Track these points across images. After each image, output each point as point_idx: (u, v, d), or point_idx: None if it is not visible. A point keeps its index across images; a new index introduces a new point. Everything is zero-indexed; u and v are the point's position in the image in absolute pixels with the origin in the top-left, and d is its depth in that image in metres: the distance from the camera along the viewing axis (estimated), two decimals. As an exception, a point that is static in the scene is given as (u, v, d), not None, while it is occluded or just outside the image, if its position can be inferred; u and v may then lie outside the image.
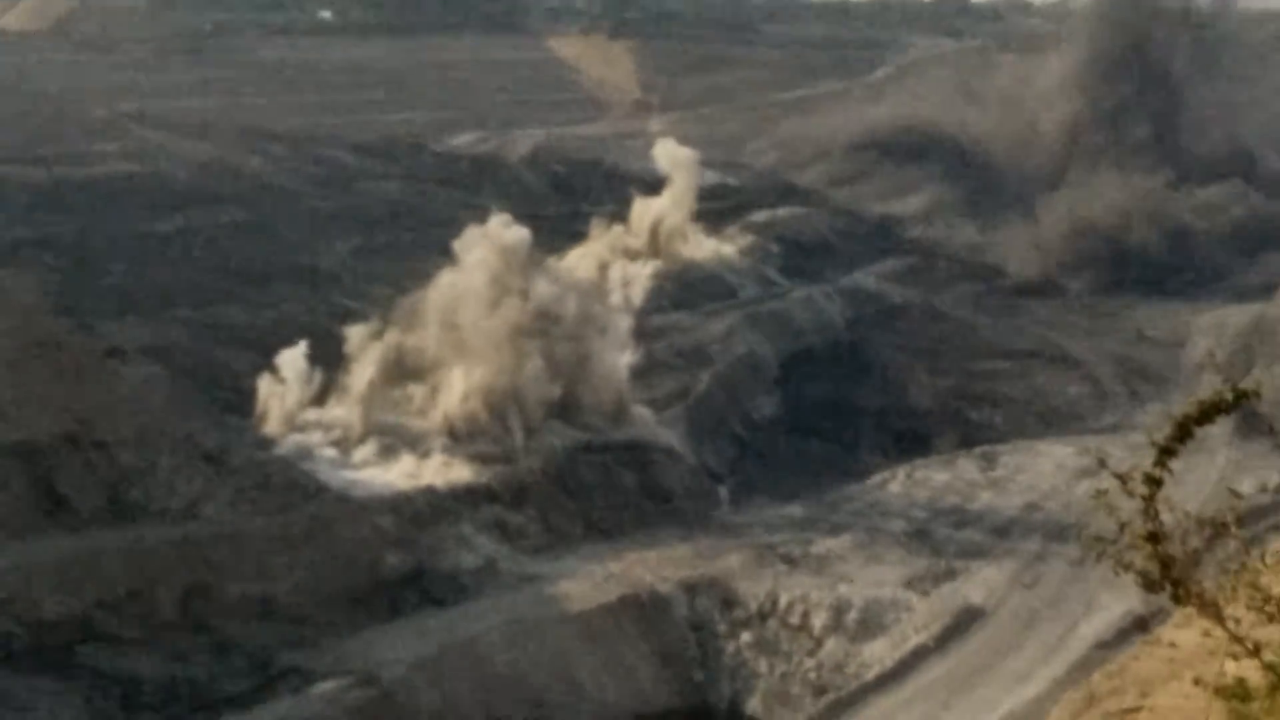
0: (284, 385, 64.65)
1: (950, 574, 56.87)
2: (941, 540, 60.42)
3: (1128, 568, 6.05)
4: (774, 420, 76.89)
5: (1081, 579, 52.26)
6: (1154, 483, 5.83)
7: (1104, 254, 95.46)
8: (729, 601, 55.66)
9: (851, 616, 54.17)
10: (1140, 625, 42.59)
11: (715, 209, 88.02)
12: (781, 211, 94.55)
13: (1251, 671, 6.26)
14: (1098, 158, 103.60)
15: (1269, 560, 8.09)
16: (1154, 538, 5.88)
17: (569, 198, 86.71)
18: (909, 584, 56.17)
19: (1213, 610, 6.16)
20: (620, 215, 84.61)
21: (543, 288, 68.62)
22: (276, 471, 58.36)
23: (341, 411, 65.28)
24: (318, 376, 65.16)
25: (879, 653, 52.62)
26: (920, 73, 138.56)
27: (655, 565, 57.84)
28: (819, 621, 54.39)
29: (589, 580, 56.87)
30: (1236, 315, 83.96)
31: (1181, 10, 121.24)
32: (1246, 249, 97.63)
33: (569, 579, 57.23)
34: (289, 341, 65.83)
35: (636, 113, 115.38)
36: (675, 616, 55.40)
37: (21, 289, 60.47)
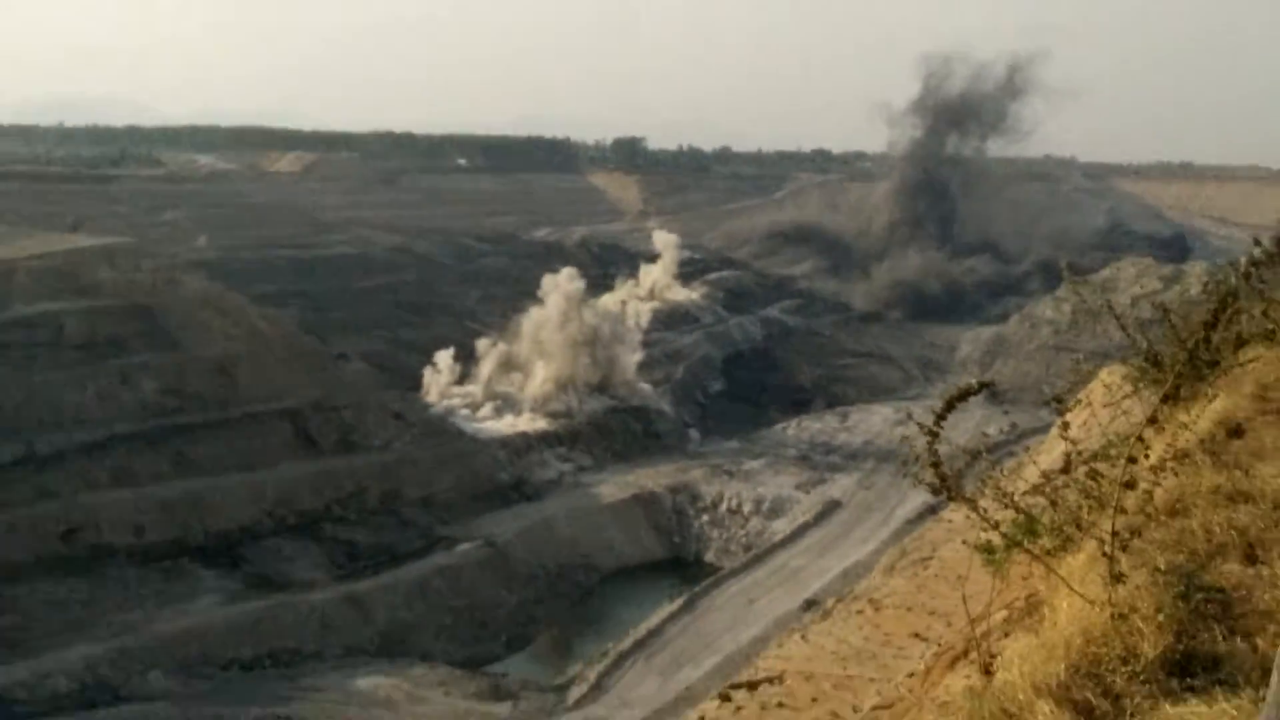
0: (439, 374, 74.20)
1: (821, 481, 66.41)
2: (816, 462, 69.77)
3: (921, 480, 6.00)
4: (720, 393, 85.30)
5: (897, 485, 58.44)
6: (935, 431, 5.76)
7: (910, 297, 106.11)
8: (695, 497, 65.30)
9: (765, 505, 63.89)
10: (931, 510, 42.71)
11: (686, 271, 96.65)
12: (725, 273, 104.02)
13: (995, 537, 6.53)
14: (906, 241, 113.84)
15: (1004, 472, 9.71)
16: (936, 463, 5.79)
17: (602, 265, 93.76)
18: (798, 486, 65.77)
19: (971, 503, 6.11)
20: (632, 275, 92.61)
21: (589, 316, 77.91)
22: (434, 423, 67.22)
23: (472, 388, 74.73)
24: (458, 368, 74.73)
25: (780, 526, 61.55)
26: (803, 193, 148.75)
27: (652, 477, 67.06)
28: (746, 508, 64.06)
29: (614, 485, 65.97)
30: (985, 333, 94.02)
31: (953, 157, 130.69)
32: (991, 294, 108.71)
33: (603, 485, 66.15)
34: (441, 347, 74.97)
35: (640, 217, 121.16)
36: (664, 506, 64.65)
37: (288, 320, 68.07)
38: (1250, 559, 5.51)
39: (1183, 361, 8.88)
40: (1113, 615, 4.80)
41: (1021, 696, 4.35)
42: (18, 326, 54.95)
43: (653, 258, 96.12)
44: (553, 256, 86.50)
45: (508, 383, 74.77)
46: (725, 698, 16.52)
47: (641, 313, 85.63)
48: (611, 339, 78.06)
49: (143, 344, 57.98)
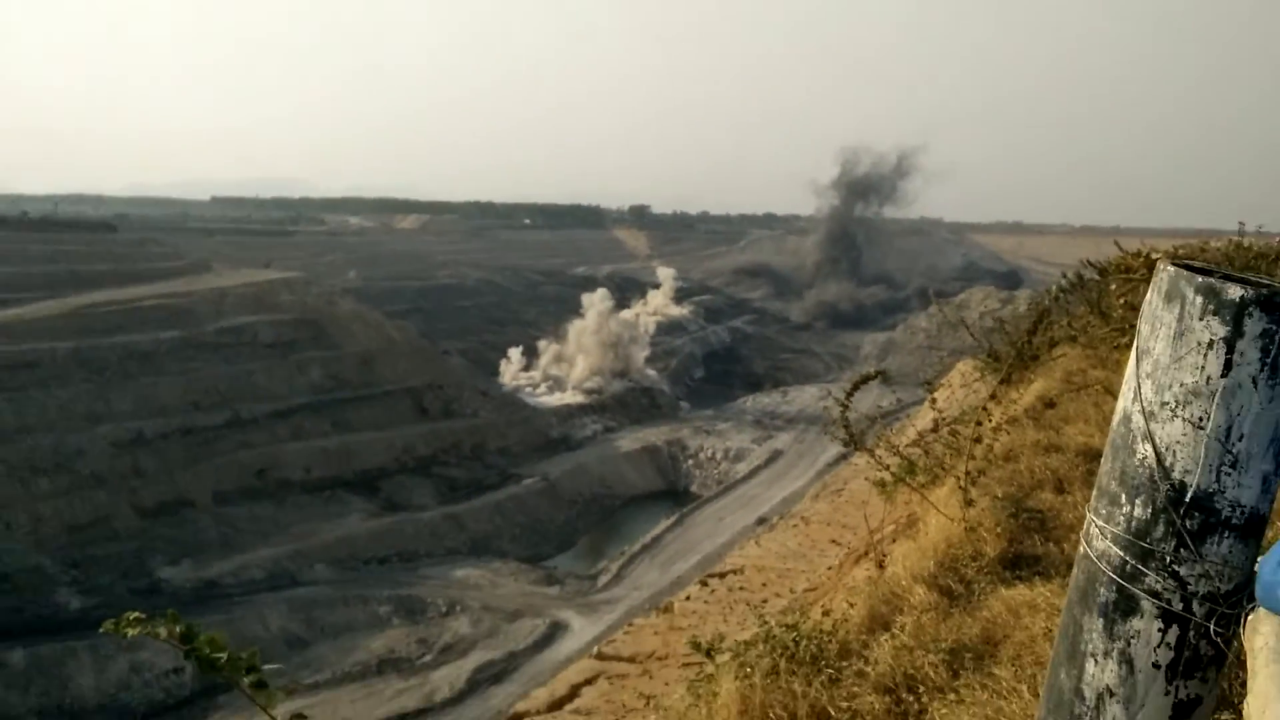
0: (510, 364, 73.84)
1: (769, 437, 64.74)
2: (766, 424, 68.16)
3: (837, 436, 6.03)
4: (701, 378, 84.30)
5: (821, 440, 56.02)
6: (845, 404, 5.77)
7: (830, 312, 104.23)
8: (684, 448, 64.19)
9: (731, 453, 62.76)
10: (844, 457, 36.64)
11: (679, 295, 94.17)
12: (704, 297, 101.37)
13: (887, 475, 6.42)
14: (828, 275, 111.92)
15: (893, 432, 10.42)
16: (846, 425, 5.81)
17: (622, 291, 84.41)
18: (753, 441, 64.28)
19: (870, 452, 6.26)
20: (642, 297, 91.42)
21: (613, 325, 76.87)
22: (507, 398, 66.19)
23: (534, 374, 73.83)
24: (523, 360, 74.19)
25: (741, 469, 60.21)
26: (757, 243, 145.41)
27: (655, 434, 65.83)
28: (718, 455, 62.86)
29: (630, 440, 64.82)
30: (881, 337, 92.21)
31: (859, 218, 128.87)
32: (885, 311, 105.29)
33: (622, 439, 64.96)
34: (512, 346, 75.21)
35: (647, 259, 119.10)
36: (662, 454, 63.57)
37: (410, 328, 67.01)
38: (1059, 490, 5.62)
39: (1013, 357, 8.93)
40: (966, 528, 4.92)
41: (904, 583, 4.48)
42: (228, 332, 54.89)
43: (656, 286, 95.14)
44: (588, 285, 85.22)
45: (558, 370, 73.89)
46: (704, 583, 16.50)
47: (648, 323, 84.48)
48: (629, 341, 77.42)
49: (311, 344, 57.97)
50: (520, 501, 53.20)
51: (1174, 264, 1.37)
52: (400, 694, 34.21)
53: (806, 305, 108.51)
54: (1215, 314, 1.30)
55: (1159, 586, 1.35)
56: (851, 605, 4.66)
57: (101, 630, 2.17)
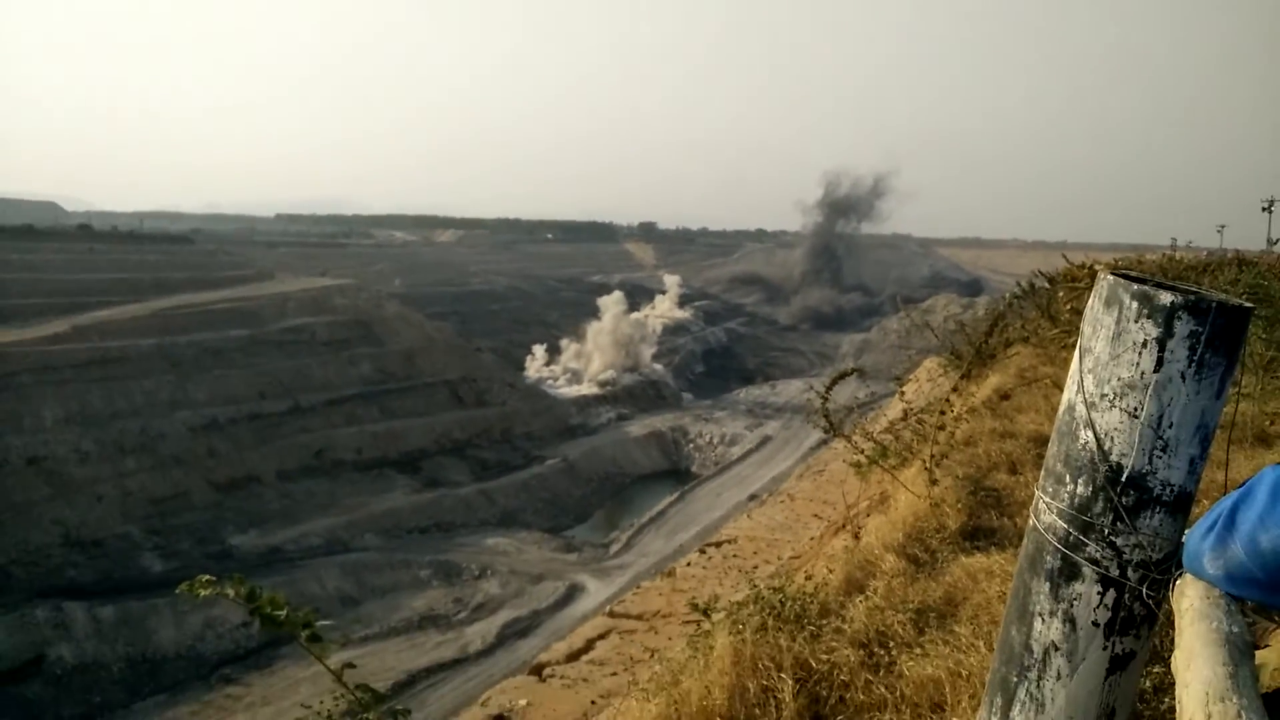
0: (534, 360, 73.25)
1: (760, 424, 64.36)
2: (757, 413, 67.81)
3: (818, 424, 5.90)
4: (701, 373, 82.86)
5: (805, 427, 52.81)
6: (825, 396, 5.69)
7: (813, 316, 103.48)
8: (685, 433, 63.53)
9: (726, 438, 62.05)
10: (824, 443, 34.49)
11: (682, 300, 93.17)
12: (704, 302, 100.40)
13: (862, 458, 6.19)
14: (812, 283, 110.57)
15: (867, 420, 10.51)
16: (827, 414, 5.69)
17: (632, 297, 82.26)
18: (746, 427, 63.76)
19: (847, 438, 6.13)
20: (649, 302, 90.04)
21: (625, 326, 76.51)
22: (532, 389, 66.68)
23: (557, 368, 73.37)
24: (546, 356, 73.55)
25: (735, 451, 59.55)
26: (750, 255, 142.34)
27: (660, 421, 65.02)
28: (716, 440, 62.22)
29: (639, 426, 64.08)
30: (858, 337, 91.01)
31: (840, 233, 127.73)
32: (862, 315, 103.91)
33: (632, 426, 64.18)
34: (536, 344, 74.64)
35: (654, 269, 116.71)
36: (667, 438, 62.88)
37: (448, 328, 67.25)
38: (1013, 471, 5.63)
39: (972, 355, 8.91)
40: (931, 504, 4.94)
41: (876, 551, 4.48)
42: (290, 331, 54.98)
43: (663, 292, 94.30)
44: (602, 292, 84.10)
45: (577, 365, 73.54)
46: (703, 551, 16.49)
47: (656, 325, 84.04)
48: (638, 340, 76.97)
49: (362, 342, 57.86)
50: (543, 479, 53.01)
51: (1113, 274, 1.38)
52: (439, 646, 34.35)
53: (793, 309, 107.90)
54: (1149, 317, 1.30)
55: (1098, 555, 1.36)
56: (831, 571, 4.66)
57: (178, 591, 2.20)
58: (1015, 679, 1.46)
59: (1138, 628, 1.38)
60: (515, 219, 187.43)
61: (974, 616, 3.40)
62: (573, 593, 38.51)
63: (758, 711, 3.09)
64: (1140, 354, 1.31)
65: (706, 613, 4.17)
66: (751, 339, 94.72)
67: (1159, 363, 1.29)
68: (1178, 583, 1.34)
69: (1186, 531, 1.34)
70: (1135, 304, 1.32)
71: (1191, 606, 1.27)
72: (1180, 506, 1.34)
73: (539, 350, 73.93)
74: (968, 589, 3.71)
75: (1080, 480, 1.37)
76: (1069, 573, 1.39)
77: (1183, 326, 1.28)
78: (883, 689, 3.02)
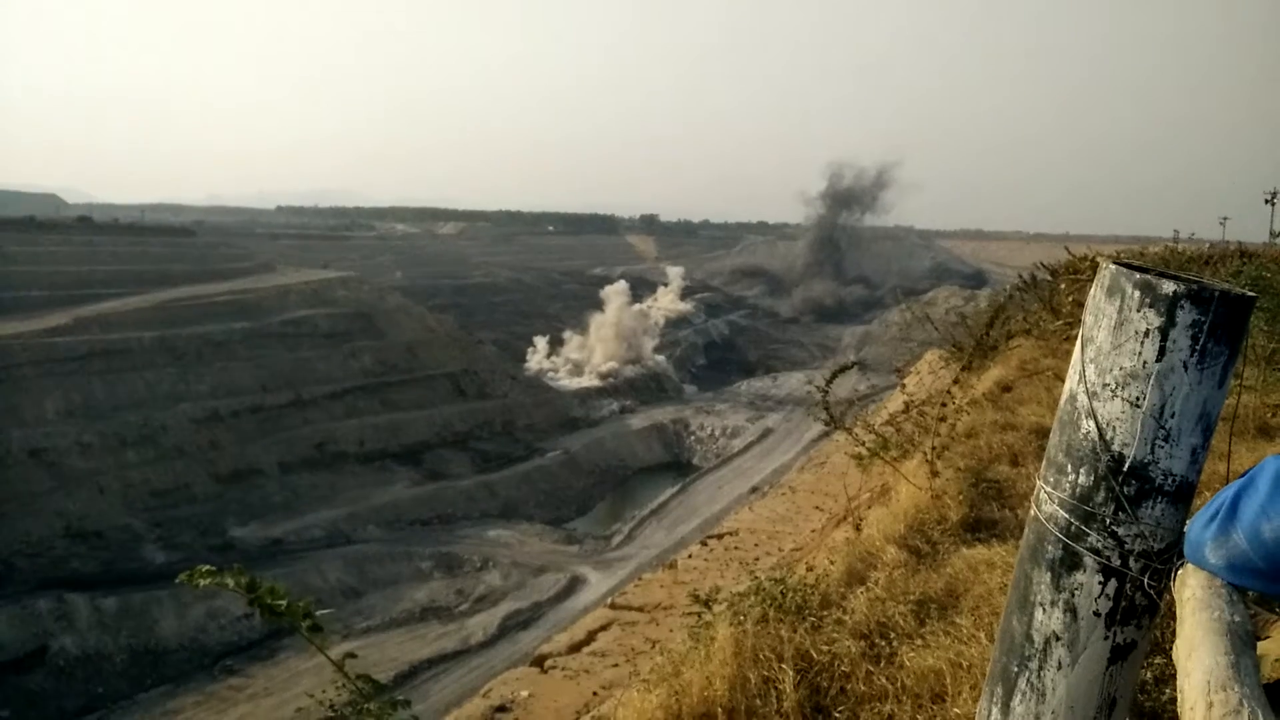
0: (536, 352, 73.24)
1: (761, 416, 63.74)
2: (758, 405, 67.27)
3: (819, 417, 5.98)
4: (703, 365, 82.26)
5: (806, 419, 53.67)
6: (825, 390, 5.73)
7: (815, 308, 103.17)
8: (687, 425, 63.09)
9: (728, 430, 61.70)
10: (826, 435, 34.20)
11: (684, 292, 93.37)
12: (706, 294, 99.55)
13: (864, 450, 6.13)
14: (814, 275, 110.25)
15: (868, 413, 11.05)
16: (827, 407, 5.76)
17: (634, 289, 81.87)
18: (747, 419, 63.10)
19: (848, 430, 6.19)
20: (651, 294, 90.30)
21: (626, 319, 76.83)
22: (534, 381, 66.64)
23: (559, 360, 73.12)
24: (548, 349, 73.48)
25: (737, 444, 59.22)
26: (752, 247, 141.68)
27: (662, 414, 64.72)
28: (716, 432, 61.99)
29: (640, 418, 63.77)
30: (859, 330, 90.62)
31: (843, 225, 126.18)
32: (864, 307, 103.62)
33: (634, 418, 63.95)
34: (538, 336, 74.55)
35: (655, 261, 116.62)
36: (669, 430, 62.37)
37: (449, 320, 67.10)
38: (1014, 463, 5.62)
39: (973, 347, 8.90)
40: (932, 496, 4.94)
41: (877, 543, 4.50)
42: (291, 324, 54.94)
43: (665, 284, 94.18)
44: (604, 284, 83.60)
45: (579, 356, 73.40)
46: (704, 543, 16.47)
47: (659, 317, 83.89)
48: (640, 332, 76.87)
49: (363, 334, 57.77)
50: (545, 471, 52.90)
51: (1115, 263, 1.37)
52: (440, 638, 34.39)
53: (795, 302, 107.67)
54: (1151, 306, 1.30)
55: (1100, 545, 1.35)
56: (832, 562, 4.66)
57: (177, 581, 2.20)
58: (1016, 669, 1.46)
59: (1139, 618, 1.38)
60: (517, 211, 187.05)
61: (975, 608, 3.40)
62: (574, 584, 38.44)
63: (759, 702, 3.09)
64: (1142, 343, 1.30)
65: (708, 604, 4.18)
66: (753, 331, 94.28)
67: (1161, 352, 1.29)
68: (1179, 573, 1.34)
69: (1188, 521, 1.34)
70: (1138, 293, 1.31)
71: (1193, 596, 1.27)
72: (1182, 496, 1.34)
73: (540, 343, 73.75)
74: (969, 580, 3.72)
75: (1082, 470, 1.37)
76: (1070, 562, 1.39)
77: (1185, 316, 1.27)
78: (884, 680, 3.02)
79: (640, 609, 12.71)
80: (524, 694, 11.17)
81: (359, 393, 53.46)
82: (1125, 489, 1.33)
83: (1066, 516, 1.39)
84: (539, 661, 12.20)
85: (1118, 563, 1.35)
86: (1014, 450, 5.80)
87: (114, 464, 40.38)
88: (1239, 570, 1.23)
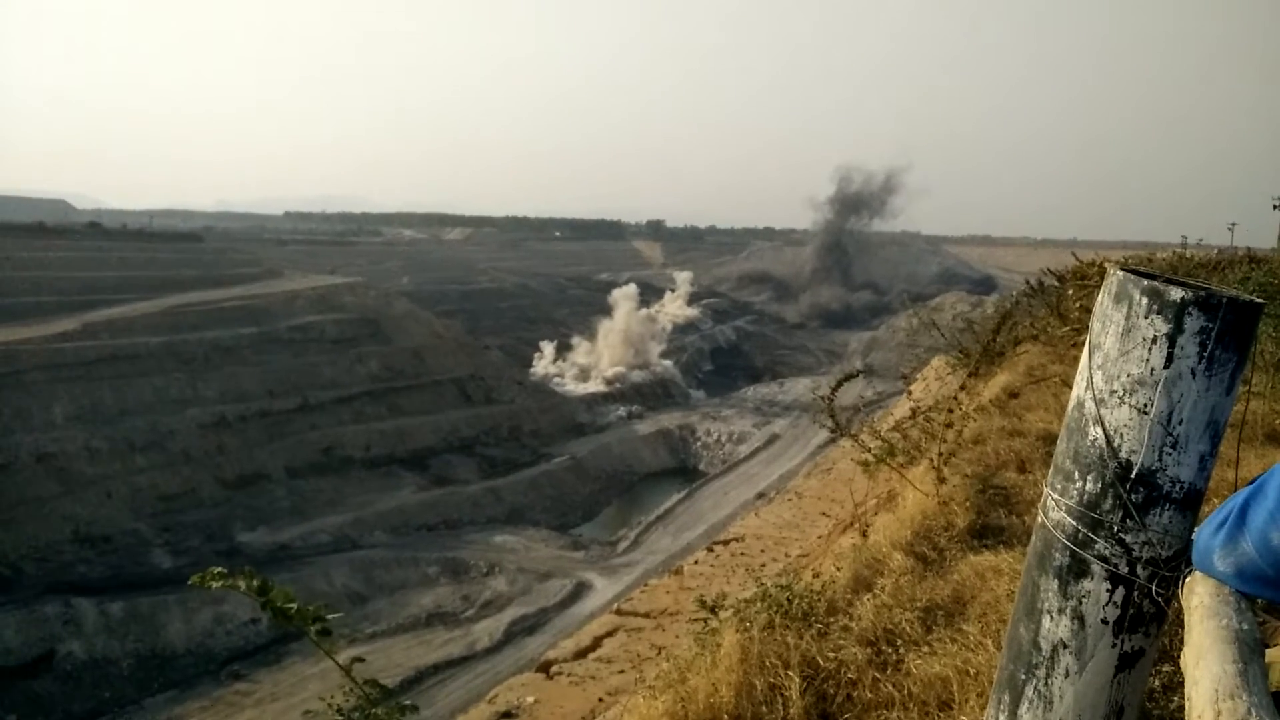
0: (543, 357, 73.61)
1: (767, 422, 63.76)
2: (765, 411, 67.27)
3: (825, 424, 5.97)
4: (710, 370, 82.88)
5: (813, 426, 49.23)
6: (831, 397, 5.77)
7: (822, 314, 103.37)
8: (693, 431, 63.08)
9: (734, 436, 61.73)
10: (832, 441, 38.06)
11: (691, 298, 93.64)
12: (713, 300, 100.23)
13: (870, 456, 6.16)
14: (821, 281, 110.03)
15: (875, 419, 10.95)
16: (833, 414, 5.74)
17: (644, 294, 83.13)
18: (753, 425, 63.20)
19: (854, 437, 6.21)
20: (659, 300, 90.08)
21: (635, 324, 77.24)
22: (540, 387, 66.90)
23: (566, 365, 73.20)
24: (554, 354, 73.69)
25: (743, 450, 59.21)
26: (759, 253, 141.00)
27: (669, 419, 65.00)
28: (723, 438, 61.87)
29: (647, 424, 64.06)
30: (866, 335, 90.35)
31: (850, 230, 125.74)
32: (871, 313, 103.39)
33: (640, 424, 64.17)
34: (545, 340, 74.84)
35: (662, 267, 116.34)
36: (675, 436, 62.59)
37: (456, 326, 67.33)
38: (1022, 470, 5.58)
39: (980, 353, 8.88)
40: (939, 502, 4.90)
41: (884, 550, 4.46)
42: (298, 330, 55.15)
43: (672, 289, 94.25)
44: (610, 290, 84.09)
45: (587, 361, 73.53)
46: (710, 549, 16.46)
47: (665, 322, 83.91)
48: (647, 337, 77.08)
49: (370, 340, 57.92)
50: (551, 477, 52.94)
51: (1123, 269, 1.37)
52: (447, 643, 34.42)
53: (801, 307, 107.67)
54: (1159, 313, 1.29)
55: (1107, 552, 1.35)
56: (838, 569, 4.64)
57: (189, 583, 2.21)
58: (1023, 676, 1.46)
59: (1147, 625, 1.37)
60: (523, 217, 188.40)
61: (982, 615, 3.38)
62: (580, 590, 38.46)
63: (765, 709, 3.08)
64: (1150, 350, 1.30)
65: (714, 610, 4.18)
66: (760, 337, 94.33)
67: (1169, 359, 1.29)
68: (1187, 580, 1.33)
69: (1196, 529, 1.34)
70: (1145, 299, 1.31)
71: (1201, 604, 1.27)
72: (1190, 503, 1.33)
73: (547, 348, 73.90)
74: (976, 587, 3.70)
75: (1089, 477, 1.37)
76: (1078, 570, 1.38)
77: (1193, 322, 1.27)
78: (890, 687, 3.01)
79: (646, 615, 12.71)
80: (530, 700, 11.16)
81: (366, 398, 53.55)
82: (1133, 496, 1.32)
83: (1074, 523, 1.38)
84: (545, 667, 12.21)
85: (1125, 570, 1.34)
86: (1021, 457, 5.77)
87: (122, 469, 40.51)
88: (1247, 578, 1.22)
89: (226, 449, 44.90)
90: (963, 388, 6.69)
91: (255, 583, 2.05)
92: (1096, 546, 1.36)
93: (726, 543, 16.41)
